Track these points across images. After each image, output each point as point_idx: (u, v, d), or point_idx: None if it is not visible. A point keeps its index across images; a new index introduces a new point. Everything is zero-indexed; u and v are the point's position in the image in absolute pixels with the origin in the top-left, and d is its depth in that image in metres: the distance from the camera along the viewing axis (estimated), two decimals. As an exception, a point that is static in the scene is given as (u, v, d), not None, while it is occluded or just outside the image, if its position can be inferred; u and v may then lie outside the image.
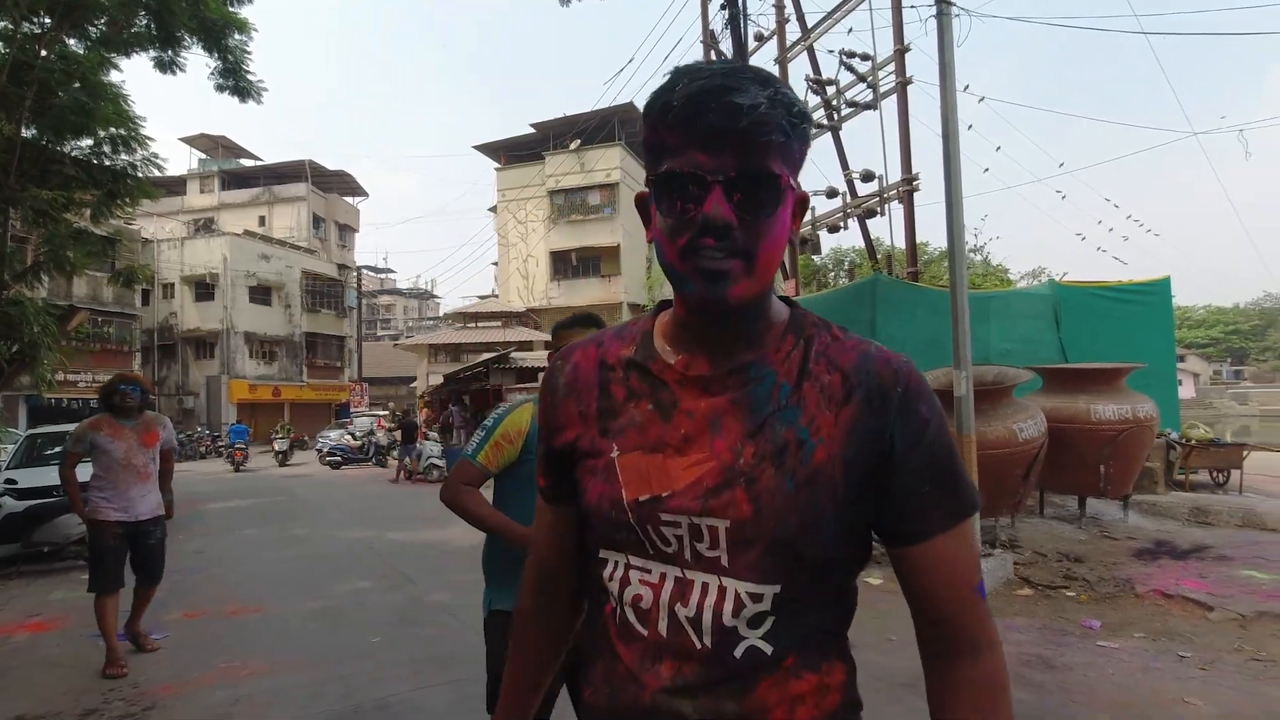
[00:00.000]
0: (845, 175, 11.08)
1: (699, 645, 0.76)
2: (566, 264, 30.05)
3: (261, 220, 38.04)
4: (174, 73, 8.53)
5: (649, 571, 0.80)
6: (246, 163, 40.47)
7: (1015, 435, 6.05)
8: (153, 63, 8.44)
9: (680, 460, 0.79)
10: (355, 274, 38.57)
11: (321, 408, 35.15)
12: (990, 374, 6.59)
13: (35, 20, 7.31)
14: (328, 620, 5.17)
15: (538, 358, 19.92)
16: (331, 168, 40.44)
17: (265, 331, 32.97)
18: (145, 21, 8.00)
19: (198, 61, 9.28)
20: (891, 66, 9.92)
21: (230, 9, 8.41)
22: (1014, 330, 8.87)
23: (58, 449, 7.71)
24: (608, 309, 28.33)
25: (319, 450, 21.23)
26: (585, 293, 29.28)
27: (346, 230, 42.80)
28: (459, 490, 2.03)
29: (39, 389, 9.62)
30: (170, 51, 8.32)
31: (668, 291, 0.90)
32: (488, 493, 2.10)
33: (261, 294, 33.00)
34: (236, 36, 8.52)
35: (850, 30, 20.05)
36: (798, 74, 17.10)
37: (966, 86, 10.49)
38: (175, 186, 37.54)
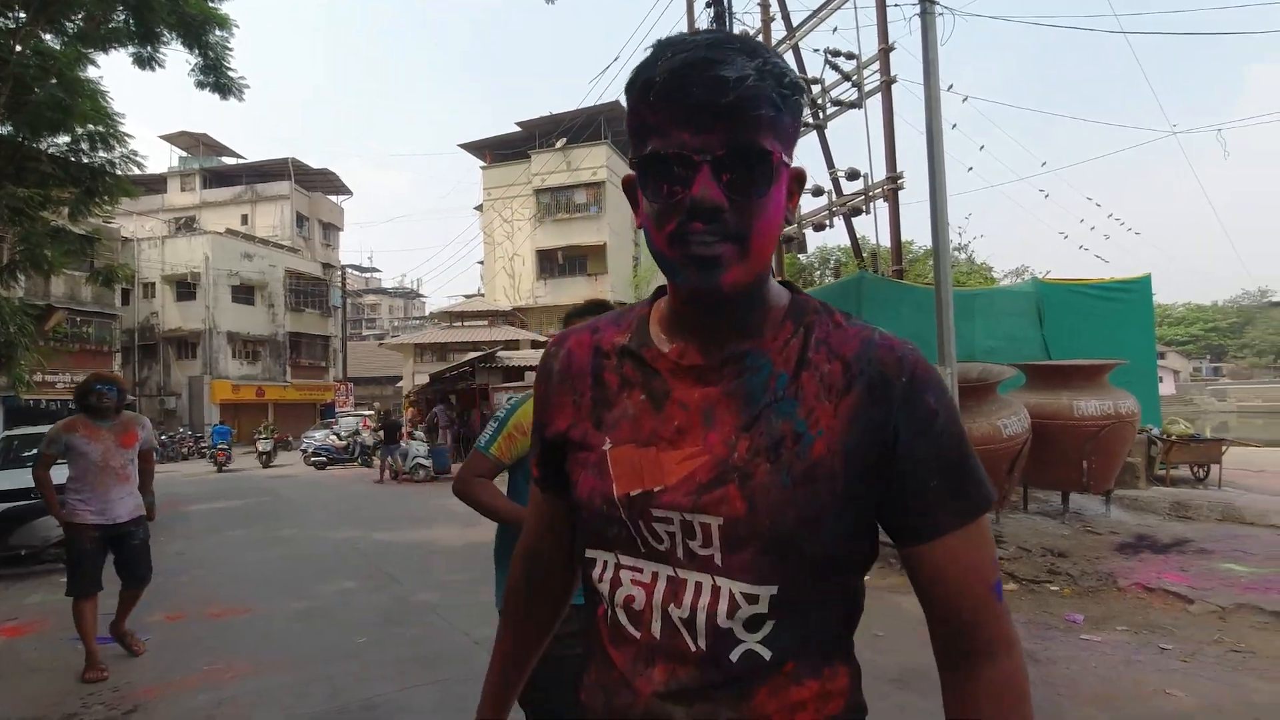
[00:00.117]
0: (831, 173, 11.12)
1: (693, 648, 0.73)
2: (553, 263, 29.98)
3: (244, 219, 37.67)
4: (153, 69, 8.45)
5: (640, 571, 0.77)
6: (228, 161, 40.05)
7: (1000, 432, 6.10)
8: (131, 59, 8.36)
9: (673, 454, 0.75)
10: (340, 273, 38.30)
11: (306, 408, 34.87)
12: (975, 371, 6.64)
13: (10, 15, 7.19)
14: (313, 621, 5.13)
15: (524, 357, 19.87)
16: (315, 166, 40.14)
17: (248, 331, 32.66)
18: (124, 17, 7.91)
19: (178, 58, 9.19)
20: (876, 65, 9.96)
21: (211, 4, 8.33)
22: (998, 327, 8.95)
23: (35, 450, 7.59)
24: (570, 314, 28.26)
25: (303, 451, 21.05)
26: (571, 291, 29.21)
27: (331, 229, 42.46)
28: (472, 482, 2.01)
29: (16, 390, 9.50)
30: (149, 47, 8.23)
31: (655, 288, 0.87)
32: (502, 485, 2.08)
33: (244, 293, 32.68)
34: (217, 33, 8.45)
35: (835, 29, 20.18)
36: (783, 73, 17.08)
37: (950, 86, 10.57)
38: (155, 185, 37.08)
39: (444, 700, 3.57)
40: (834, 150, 11.50)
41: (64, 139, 7.84)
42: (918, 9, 6.91)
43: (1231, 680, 3.46)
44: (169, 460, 23.34)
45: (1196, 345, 66.82)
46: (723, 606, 0.72)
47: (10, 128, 7.51)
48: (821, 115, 10.61)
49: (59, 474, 4.16)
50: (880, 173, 10.10)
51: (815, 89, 10.58)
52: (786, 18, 11.41)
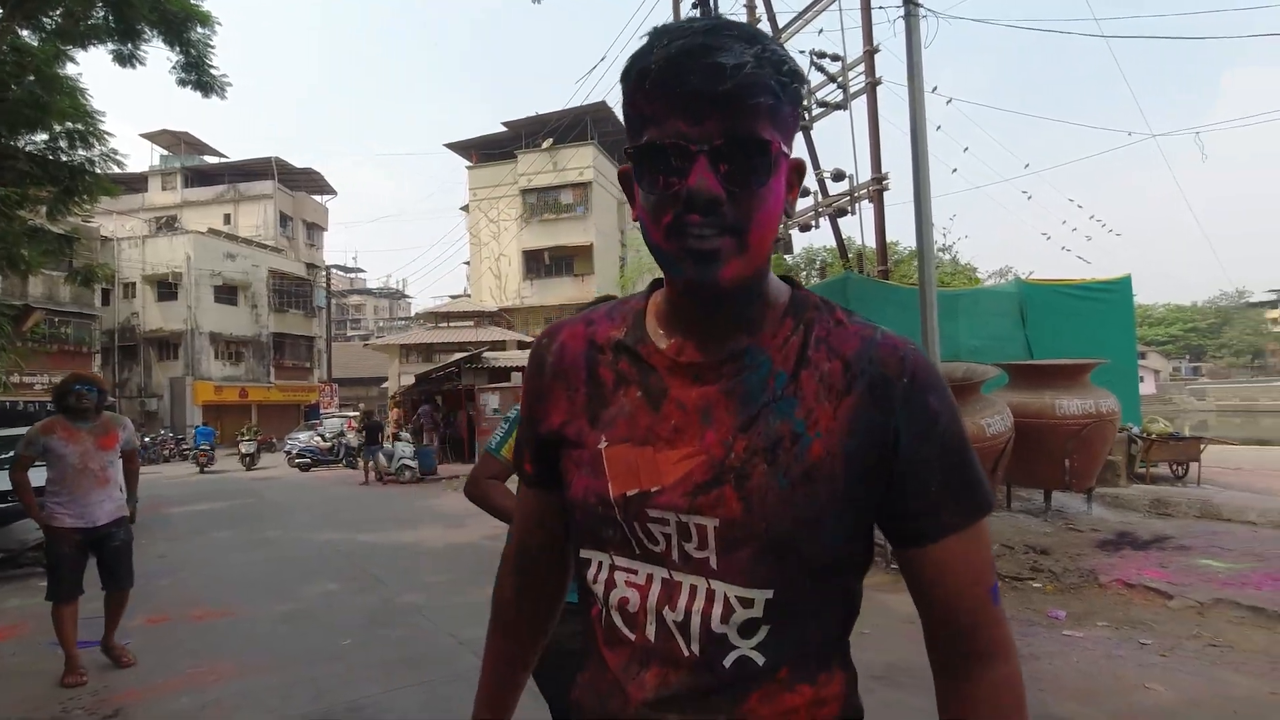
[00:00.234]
0: (816, 174, 11.18)
1: (686, 652, 0.71)
2: (539, 263, 29.93)
3: (226, 218, 37.29)
4: (134, 66, 8.33)
5: (635, 573, 0.75)
6: (211, 160, 39.64)
7: (983, 430, 6.16)
8: (111, 56, 8.25)
9: (670, 453, 0.73)
10: (324, 273, 37.98)
11: (290, 409, 34.55)
12: (959, 370, 6.69)
13: (-14, 11, 7.09)
14: (297, 623, 5.08)
15: (510, 357, 19.83)
16: (299, 166, 39.81)
17: (231, 332, 32.33)
18: (103, 13, 7.80)
19: (159, 55, 9.09)
20: (861, 67, 10.03)
21: (193, 1, 8.23)
22: (982, 327, 9.04)
23: (12, 453, 7.47)
24: (580, 309, 28.20)
25: (287, 452, 20.86)
26: (558, 292, 29.20)
27: (315, 229, 42.14)
28: (484, 484, 1.98)
29: (-8, 391, 9.33)
30: (130, 45, 8.13)
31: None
32: (512, 486, 2.06)
33: (227, 293, 32.35)
34: (199, 30, 8.35)
35: (821, 31, 20.32)
36: (769, 74, 17.16)
37: (935, 88, 10.65)
38: (136, 184, 36.62)
39: (430, 701, 3.55)
40: (820, 151, 11.56)
41: (42, 137, 7.73)
42: (902, 12, 6.97)
43: (1209, 674, 3.52)
44: (150, 462, 23.04)
45: (1176, 345, 67.75)
46: (717, 611, 0.71)
47: (-14, 125, 7.40)
48: (807, 116, 10.67)
49: (39, 476, 4.09)
50: (865, 174, 10.18)
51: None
52: (772, 19, 11.47)
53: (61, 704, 3.67)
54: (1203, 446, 8.88)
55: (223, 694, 3.77)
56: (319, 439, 21.05)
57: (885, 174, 10.02)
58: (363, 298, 70.80)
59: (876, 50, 9.87)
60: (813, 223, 11.46)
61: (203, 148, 39.52)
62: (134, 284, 31.06)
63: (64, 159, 7.79)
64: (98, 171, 8.02)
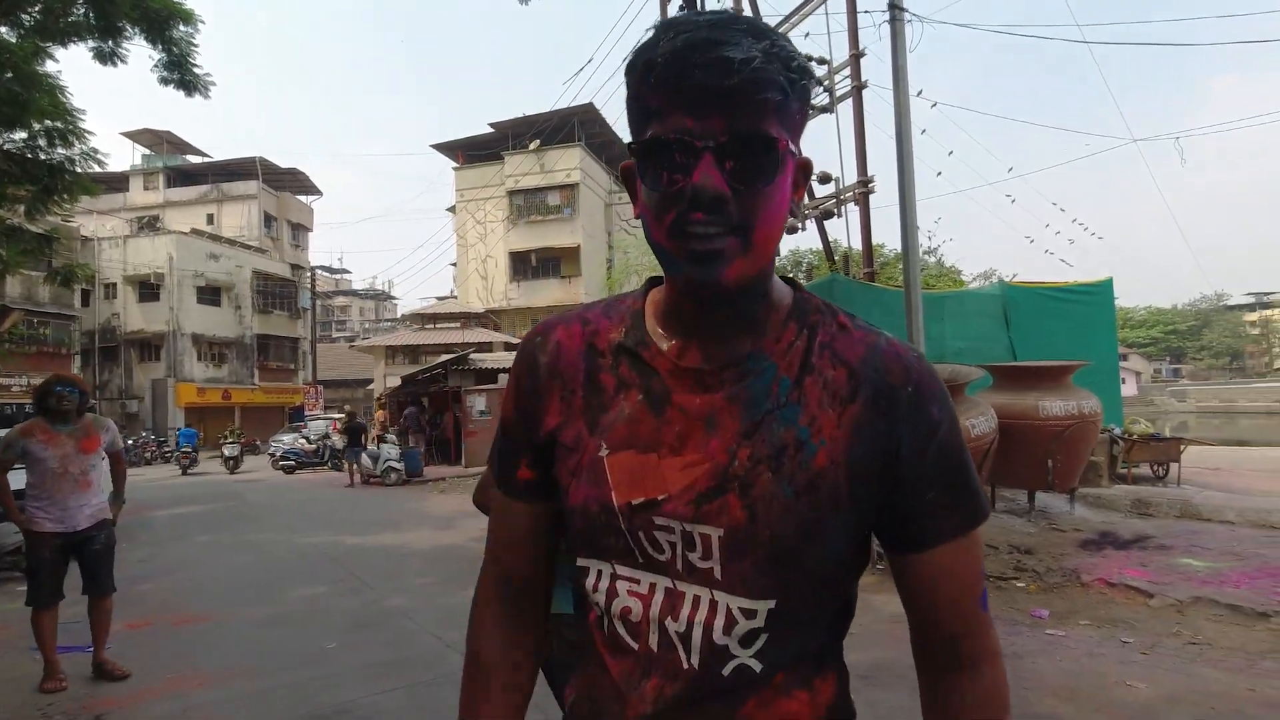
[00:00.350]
0: (803, 177, 11.23)
1: (686, 665, 0.71)
2: (526, 265, 29.85)
3: (210, 219, 36.92)
4: (115, 64, 8.23)
5: (638, 582, 0.73)
6: (193, 159, 39.24)
7: (968, 432, 6.20)
8: (92, 53, 8.13)
9: (674, 460, 0.71)
10: (309, 274, 37.70)
11: (274, 411, 34.24)
12: (944, 372, 6.74)
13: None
14: (281, 627, 5.04)
15: (497, 359, 19.77)
16: (284, 165, 39.50)
17: (214, 333, 32.00)
18: (83, 10, 7.70)
19: (141, 53, 8.98)
20: (847, 71, 10.09)
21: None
22: (967, 329, 9.11)
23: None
24: (568, 311, 28.16)
25: (272, 455, 20.66)
26: (545, 294, 29.14)
27: (300, 229, 41.81)
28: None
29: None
30: (111, 42, 8.02)
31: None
32: None
33: (210, 294, 32.02)
34: (182, 28, 8.25)
35: (807, 34, 20.46)
36: (756, 77, 17.22)
37: (920, 92, 10.72)
38: (117, 183, 36.17)
39: (416, 704, 3.54)
40: (806, 154, 11.58)
41: (20, 135, 7.61)
42: (888, 16, 7.02)
43: (1188, 671, 3.57)
44: (132, 465, 22.63)
45: (1157, 348, 68.69)
46: (719, 622, 0.70)
47: (-37, 123, 7.28)
48: (794, 119, 10.70)
49: (19, 478, 4.01)
50: (851, 176, 10.23)
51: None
52: (759, 22, 11.49)
53: (41, 710, 3.62)
54: (1183, 447, 9.00)
55: (205, 699, 3.73)
56: (303, 441, 20.89)
57: (871, 177, 10.08)
58: (348, 299, 70.36)
59: (862, 54, 9.94)
60: (799, 225, 11.51)
61: (185, 147, 39.12)
62: (115, 284, 30.68)
63: (43, 157, 7.67)
64: (78, 170, 7.91)
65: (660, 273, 0.77)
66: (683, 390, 0.73)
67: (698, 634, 0.70)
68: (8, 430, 4.19)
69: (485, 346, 23.46)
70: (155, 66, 8.49)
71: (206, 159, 39.14)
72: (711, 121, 0.63)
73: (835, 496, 0.70)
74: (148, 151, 38.41)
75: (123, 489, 4.33)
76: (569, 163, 28.65)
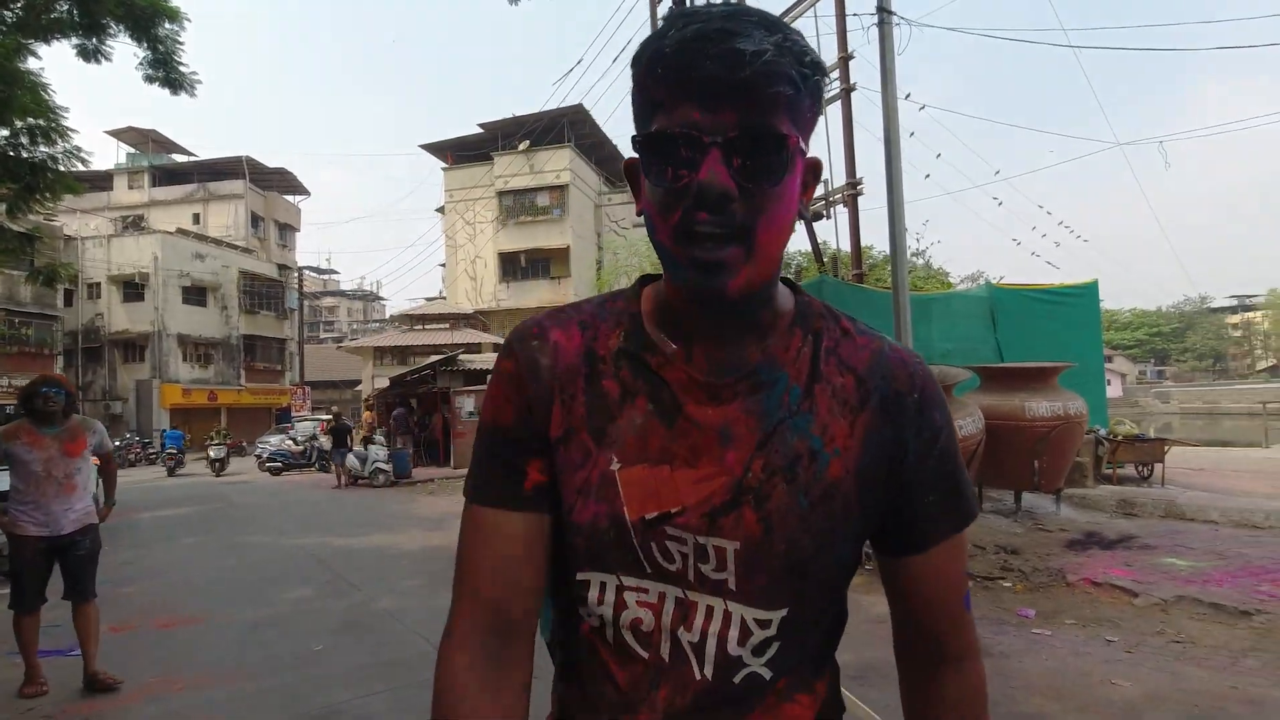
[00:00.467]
0: (792, 179, 11.27)
1: (699, 675, 0.69)
2: (515, 265, 29.81)
3: (196, 218, 36.62)
4: (99, 62, 8.16)
5: (646, 592, 0.70)
6: (179, 158, 38.91)
7: (956, 432, 6.24)
8: (76, 51, 8.05)
9: (688, 473, 0.69)
10: (296, 275, 37.47)
11: (261, 412, 34.02)
12: (932, 373, 6.78)
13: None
14: (268, 629, 5.00)
15: (486, 360, 19.72)
16: (271, 165, 39.22)
17: (200, 334, 31.75)
18: (66, 7, 7.63)
19: (126, 51, 8.90)
20: (836, 73, 10.13)
21: (161, -3, 8.09)
22: (954, 331, 9.17)
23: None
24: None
25: (258, 456, 20.52)
26: (534, 295, 29.09)
27: (287, 229, 41.54)
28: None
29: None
30: (95, 39, 7.95)
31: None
32: None
33: (196, 294, 31.77)
34: (167, 25, 8.19)
35: (796, 37, 20.53)
36: (745, 79, 17.29)
37: (908, 94, 10.82)
38: (101, 182, 35.83)
39: (404, 706, 3.52)
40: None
41: (2, 132, 7.53)
42: (876, 19, 7.06)
43: (1172, 669, 3.60)
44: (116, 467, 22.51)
45: (1142, 349, 69.45)
46: (734, 633, 0.69)
47: (-56, 120, 7.20)
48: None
49: (3, 480, 3.95)
50: (840, 178, 10.27)
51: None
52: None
53: (21, 715, 3.57)
54: (1167, 448, 9.08)
55: (190, 702, 3.69)
56: (291, 442, 20.76)
57: (860, 179, 10.12)
58: (336, 299, 69.97)
59: (851, 57, 9.98)
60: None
61: (171, 146, 38.79)
62: (99, 284, 30.38)
63: (25, 155, 7.59)
64: (60, 169, 7.83)
65: (653, 270, 0.77)
66: (694, 402, 0.70)
67: (712, 645, 0.69)
68: None
69: (474, 347, 23.41)
70: (140, 64, 8.43)
71: (192, 158, 38.83)
72: (720, 115, 0.61)
73: (847, 505, 0.70)
74: (132, 150, 38.06)
75: (113, 492, 4.26)
76: (558, 164, 28.63)
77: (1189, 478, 9.36)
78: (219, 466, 19.32)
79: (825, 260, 12.51)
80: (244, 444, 27.10)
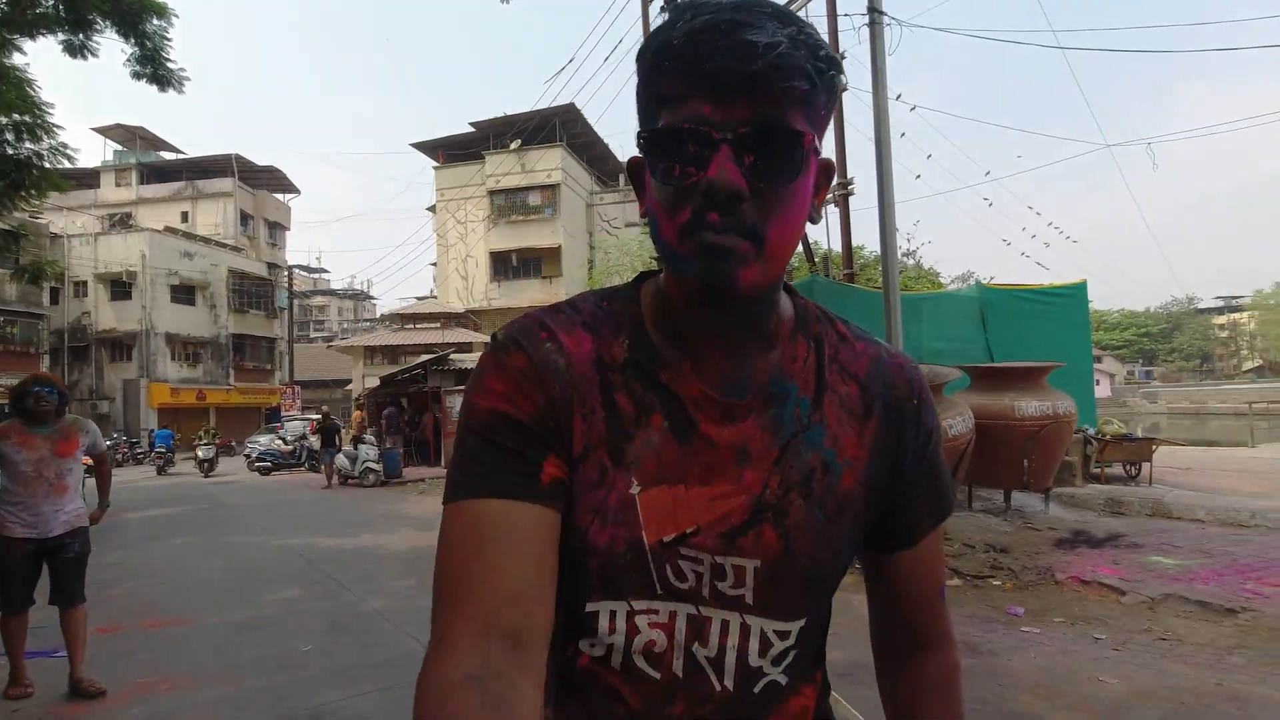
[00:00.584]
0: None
1: (719, 687, 0.68)
2: (507, 265, 29.74)
3: (184, 216, 36.35)
4: (85, 58, 8.08)
5: (656, 613, 0.68)
6: (168, 156, 38.62)
7: (945, 432, 6.27)
8: (62, 46, 7.97)
9: (702, 491, 0.67)
10: (286, 273, 37.27)
11: (250, 412, 33.81)
12: (922, 372, 6.81)
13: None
14: (256, 630, 4.96)
15: (476, 359, 19.60)
16: (261, 163, 38.97)
17: (189, 333, 31.53)
18: (52, 2, 7.55)
19: (113, 47, 8.82)
20: (827, 73, 10.16)
21: (148, -8, 8.02)
22: (944, 330, 9.22)
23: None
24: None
25: (247, 456, 20.38)
26: (526, 294, 29.04)
27: (277, 228, 41.31)
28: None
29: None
30: (81, 35, 7.87)
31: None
32: None
33: (184, 293, 31.55)
34: (155, 21, 8.12)
35: (788, 37, 20.60)
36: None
37: (899, 95, 10.85)
38: (88, 179, 35.51)
39: (393, 707, 3.50)
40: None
41: (-13, 128, 7.46)
42: (867, 19, 7.08)
43: (1159, 666, 3.63)
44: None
45: (1130, 350, 70.04)
46: (754, 646, 0.69)
47: (-73, 116, 7.12)
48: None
49: None
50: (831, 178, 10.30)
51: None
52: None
53: (6, 717, 3.53)
54: (1154, 447, 9.16)
55: (176, 704, 3.66)
56: (280, 442, 20.65)
57: (850, 179, 10.16)
58: (326, 299, 69.69)
59: (842, 57, 10.02)
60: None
61: (159, 143, 38.50)
62: (85, 282, 30.11)
63: (10, 152, 7.52)
64: (46, 165, 7.76)
65: (649, 268, 0.74)
66: (709, 420, 0.68)
67: (731, 658, 0.69)
68: None
69: (465, 347, 23.33)
70: (128, 61, 8.35)
71: (181, 156, 38.55)
72: (731, 110, 0.58)
73: (855, 514, 0.71)
74: (120, 147, 37.74)
75: (107, 494, 4.19)
76: (550, 163, 28.58)
77: (1176, 477, 9.44)
78: (207, 467, 19.01)
79: (816, 260, 12.55)
80: (233, 444, 26.91)
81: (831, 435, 0.70)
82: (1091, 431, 9.15)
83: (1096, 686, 3.42)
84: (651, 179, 0.63)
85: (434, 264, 32.70)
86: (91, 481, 4.15)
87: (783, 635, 0.70)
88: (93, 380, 29.95)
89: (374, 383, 22.71)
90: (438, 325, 27.45)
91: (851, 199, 10.17)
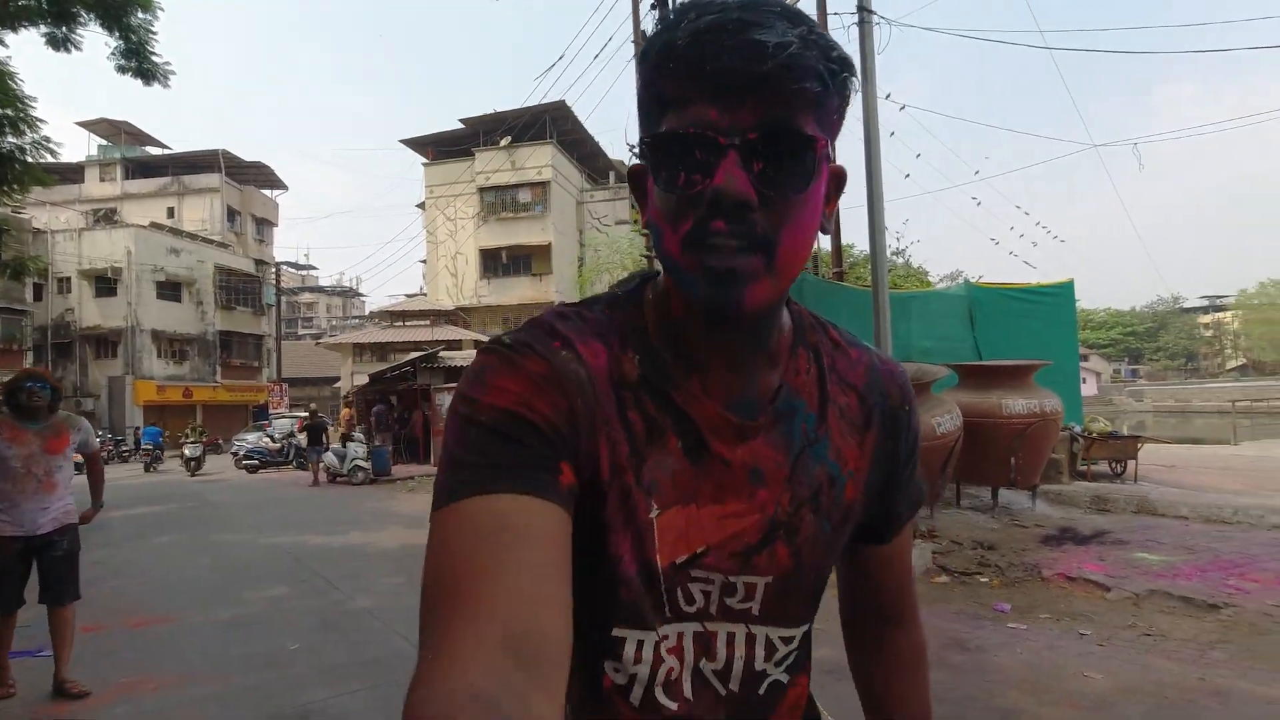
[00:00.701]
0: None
1: (724, 692, 0.69)
2: (496, 262, 29.65)
3: (170, 212, 36.01)
4: (69, 51, 7.97)
5: (667, 638, 0.67)
6: (153, 151, 38.25)
7: (934, 430, 6.30)
8: (45, 39, 7.87)
9: (714, 510, 0.65)
10: (274, 270, 36.98)
11: (238, 409, 33.58)
12: (910, 371, 6.78)
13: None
14: (243, 629, 4.93)
15: (466, 357, 19.57)
16: (248, 159, 38.65)
17: (175, 329, 31.27)
18: (36, -6, 7.46)
19: (97, 40, 8.71)
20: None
21: (134, -15, 7.92)
22: (933, 329, 9.26)
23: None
24: (539, 309, 27.92)
25: (234, 454, 20.21)
26: (516, 291, 28.98)
27: (264, 224, 41.00)
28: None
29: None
30: (64, 28, 7.77)
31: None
32: None
33: (170, 290, 31.27)
34: (140, 15, 8.02)
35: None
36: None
37: (888, 94, 10.87)
38: (71, 174, 35.13)
39: (381, 705, 3.49)
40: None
41: (-32, 122, 7.35)
42: (856, 18, 7.10)
43: (1143, 662, 3.66)
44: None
45: (1116, 349, 70.71)
46: (760, 653, 0.70)
47: (-93, 109, 7.01)
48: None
49: None
50: (821, 177, 10.32)
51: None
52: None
53: (-14, 718, 3.49)
54: (1140, 445, 9.25)
55: (161, 704, 3.63)
56: (268, 440, 20.49)
57: (840, 178, 10.18)
58: (315, 295, 69.27)
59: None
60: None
61: (145, 138, 38.14)
62: (69, 279, 29.79)
63: (-8, 146, 7.42)
64: (28, 160, 7.66)
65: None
66: (722, 441, 0.65)
67: (738, 667, 0.70)
68: None
69: (455, 344, 23.24)
70: (112, 54, 8.25)
71: (167, 151, 38.18)
72: (739, 114, 0.55)
73: (855, 520, 0.73)
74: (104, 142, 37.34)
75: (100, 492, 4.13)
76: (540, 160, 28.50)
77: (1161, 474, 9.53)
78: (194, 466, 18.66)
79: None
80: (220, 441, 26.72)
81: (835, 448, 0.70)
82: (1078, 429, 9.23)
83: (1082, 682, 3.45)
84: (654, 187, 0.60)
85: (423, 261, 32.56)
86: (82, 479, 4.09)
87: (787, 640, 0.71)
88: (77, 377, 29.64)
89: (363, 380, 22.58)
90: (427, 323, 27.34)
91: (841, 198, 10.20)
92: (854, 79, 0.59)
